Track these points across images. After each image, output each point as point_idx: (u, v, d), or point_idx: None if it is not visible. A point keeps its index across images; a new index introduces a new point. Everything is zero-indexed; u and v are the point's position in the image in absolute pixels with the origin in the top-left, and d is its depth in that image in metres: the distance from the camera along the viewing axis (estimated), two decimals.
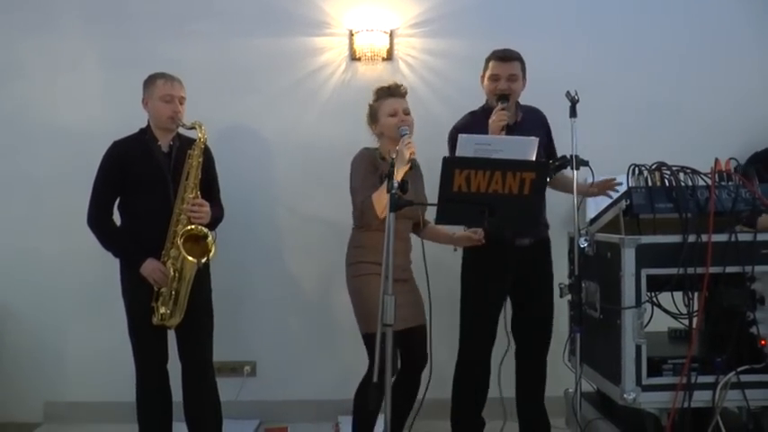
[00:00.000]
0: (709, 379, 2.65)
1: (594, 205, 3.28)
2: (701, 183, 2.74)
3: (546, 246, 3.50)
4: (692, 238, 2.66)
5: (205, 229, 3.24)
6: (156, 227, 3.23)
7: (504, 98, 3.30)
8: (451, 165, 2.70)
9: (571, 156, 2.91)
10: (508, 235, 3.27)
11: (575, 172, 2.88)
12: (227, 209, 3.53)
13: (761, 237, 2.68)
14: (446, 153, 3.12)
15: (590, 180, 3.08)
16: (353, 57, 4.15)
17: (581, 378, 2.90)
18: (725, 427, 2.63)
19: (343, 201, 3.36)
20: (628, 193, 2.74)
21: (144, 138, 3.37)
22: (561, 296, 3.01)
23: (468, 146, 2.89)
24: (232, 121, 4.10)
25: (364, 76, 4.12)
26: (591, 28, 4.16)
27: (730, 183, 2.73)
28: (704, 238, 2.65)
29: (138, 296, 3.27)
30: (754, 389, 2.65)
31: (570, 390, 3.05)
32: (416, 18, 4.16)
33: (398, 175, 2.98)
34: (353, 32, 4.12)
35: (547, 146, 3.43)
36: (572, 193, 2.89)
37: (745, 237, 2.68)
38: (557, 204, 3.58)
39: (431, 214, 3.32)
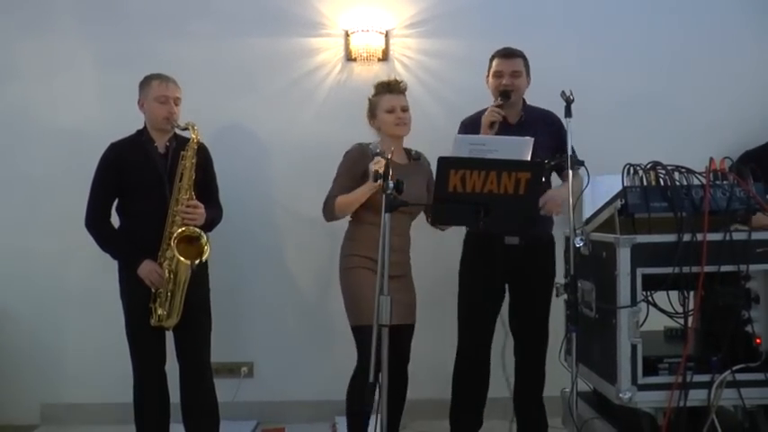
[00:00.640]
0: (705, 378, 2.64)
1: (591, 205, 3.27)
2: (696, 182, 2.73)
3: (544, 245, 3.48)
4: (687, 238, 2.66)
5: (198, 230, 3.24)
6: (153, 228, 3.24)
7: (506, 95, 3.31)
8: (447, 165, 2.70)
9: (566, 156, 2.91)
10: (496, 233, 3.27)
11: (570, 172, 2.88)
12: (224, 209, 3.53)
13: (756, 236, 2.67)
14: (442, 153, 3.10)
15: (585, 181, 3.07)
16: (349, 57, 4.15)
17: (577, 377, 2.89)
18: (721, 425, 2.62)
19: None
20: (623, 193, 2.74)
21: (141, 139, 3.37)
22: (557, 296, 3.01)
23: (463, 146, 2.90)
24: (228, 121, 4.11)
25: (360, 76, 4.13)
26: (585, 28, 4.17)
27: (725, 182, 2.72)
28: (699, 237, 2.65)
29: (135, 297, 3.27)
30: (750, 387, 2.63)
31: (566, 389, 3.04)
32: (412, 18, 4.17)
33: (363, 194, 3.12)
34: (349, 33, 4.12)
35: (553, 150, 3.33)
36: None
37: (739, 236, 2.68)
38: None
39: None
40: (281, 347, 4.17)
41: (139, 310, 3.26)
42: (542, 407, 3.52)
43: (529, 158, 2.90)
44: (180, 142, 3.36)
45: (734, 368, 2.62)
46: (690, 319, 2.77)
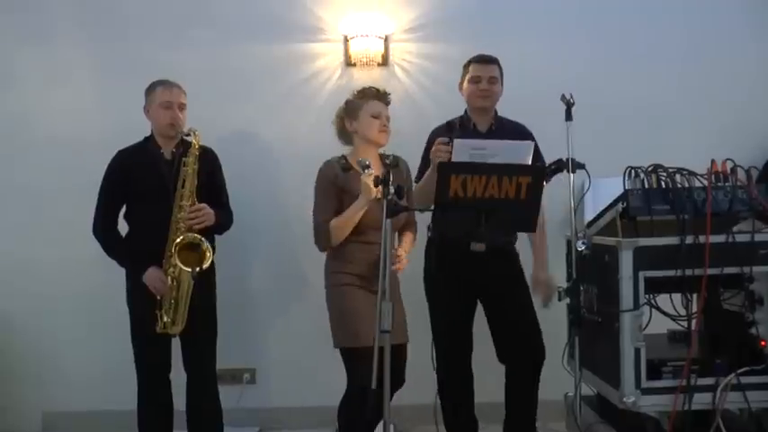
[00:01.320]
0: (710, 381, 2.63)
1: (592, 208, 3.26)
2: (698, 184, 2.73)
3: (508, 252, 3.39)
4: (689, 240, 2.65)
5: (199, 237, 3.23)
6: (159, 235, 3.23)
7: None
8: (447, 170, 2.69)
9: (567, 159, 2.90)
10: (462, 239, 3.02)
11: (571, 175, 2.87)
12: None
13: (759, 237, 2.67)
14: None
15: (587, 184, 3.06)
16: (349, 62, 4.13)
17: (580, 382, 2.89)
18: (726, 429, 2.61)
19: None
20: (624, 196, 2.73)
21: (147, 146, 3.38)
22: (559, 300, 3.01)
23: (464, 151, 2.88)
24: (228, 127, 4.09)
25: (360, 81, 4.08)
26: (585, 31, 4.15)
27: (727, 184, 2.71)
28: (702, 239, 2.64)
29: (141, 304, 3.27)
30: (755, 390, 2.63)
31: (570, 393, 3.04)
32: (411, 23, 4.16)
33: (359, 208, 3.01)
34: (348, 38, 4.11)
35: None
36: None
37: (742, 238, 2.67)
38: (553, 207, 3.56)
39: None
40: (284, 353, 4.16)
41: (145, 317, 3.25)
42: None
43: (530, 162, 2.88)
44: (187, 149, 3.33)
45: (739, 371, 2.61)
46: (693, 322, 2.77)
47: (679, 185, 2.72)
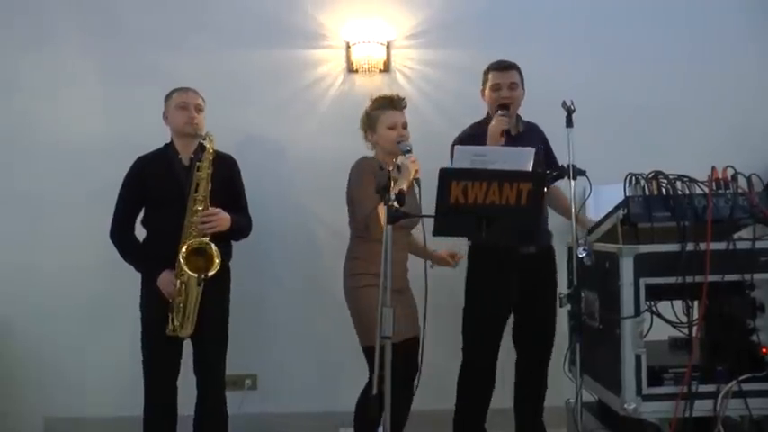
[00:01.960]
0: (711, 388, 2.63)
1: (593, 215, 3.26)
2: (699, 191, 2.73)
3: (550, 254, 3.50)
4: (690, 247, 2.64)
5: (206, 242, 3.23)
6: (175, 240, 3.24)
7: (505, 107, 3.30)
8: (448, 176, 2.69)
9: (568, 166, 2.90)
10: (513, 242, 3.27)
11: (572, 182, 2.87)
12: None
13: (760, 244, 2.67)
14: (443, 164, 3.09)
15: (588, 191, 3.05)
16: (351, 69, 4.14)
17: (581, 388, 2.87)
18: None
19: (343, 213, 3.36)
20: (625, 203, 2.73)
21: (166, 152, 3.41)
22: (561, 306, 2.99)
23: (465, 157, 2.88)
24: (229, 134, 4.01)
25: (362, 87, 4.11)
26: (586, 37, 4.15)
27: (728, 191, 2.71)
28: (703, 246, 2.63)
29: (153, 309, 3.29)
30: (757, 397, 2.63)
31: (571, 400, 3.03)
32: (413, 29, 4.16)
33: (397, 187, 2.93)
34: (350, 45, 4.12)
35: (546, 160, 3.44)
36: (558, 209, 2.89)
37: (743, 245, 2.67)
38: (554, 214, 3.58)
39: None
40: (285, 360, 4.15)
41: (157, 321, 3.26)
42: (541, 422, 3.51)
43: (530, 169, 2.88)
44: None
45: (740, 378, 2.60)
46: (694, 329, 2.76)
47: (680, 192, 2.73)
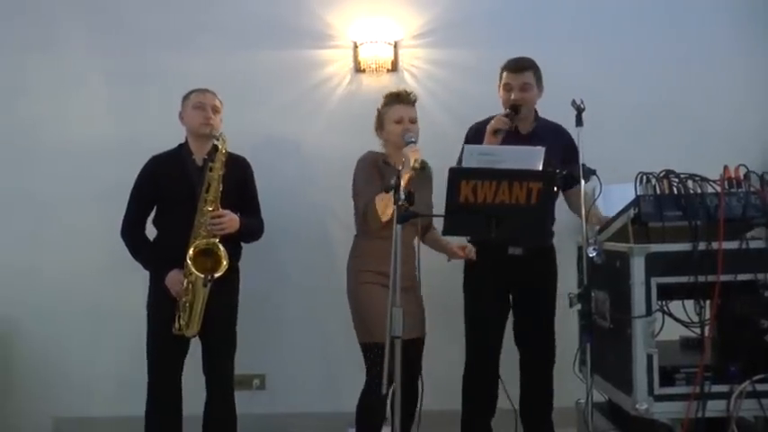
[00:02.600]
0: (724, 388, 2.60)
1: (604, 214, 3.23)
2: (711, 190, 2.70)
3: (546, 255, 3.45)
4: (702, 246, 2.62)
5: (214, 242, 3.21)
6: (184, 239, 3.22)
7: (514, 110, 3.28)
8: (458, 175, 2.68)
9: (578, 165, 2.87)
10: (499, 243, 3.23)
11: (582, 182, 2.84)
12: None
13: None
14: (451, 164, 3.07)
15: (598, 190, 3.02)
16: (358, 68, 4.12)
17: (592, 388, 2.85)
18: None
19: (350, 211, 3.36)
20: (636, 202, 2.71)
21: (180, 152, 3.40)
22: (571, 306, 2.95)
23: (473, 156, 2.85)
24: (237, 135, 3.99)
25: (369, 87, 4.09)
26: (596, 35, 4.11)
27: (740, 190, 2.69)
28: (715, 245, 2.61)
29: (160, 307, 3.28)
30: None
31: (581, 400, 3.00)
32: (420, 29, 4.13)
33: (403, 180, 2.92)
34: (358, 44, 4.09)
35: (563, 163, 3.30)
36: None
37: (756, 244, 2.64)
38: (565, 213, 3.54)
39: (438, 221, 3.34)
40: (293, 359, 4.13)
41: (163, 320, 3.26)
42: (551, 422, 3.47)
43: (540, 168, 2.85)
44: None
45: (754, 378, 2.57)
46: (706, 329, 2.73)
47: (691, 191, 2.70)
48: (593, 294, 2.86)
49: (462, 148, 3.04)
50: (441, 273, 3.49)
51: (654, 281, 2.64)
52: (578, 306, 2.90)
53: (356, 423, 3.23)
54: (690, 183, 2.72)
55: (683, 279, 2.63)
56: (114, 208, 3.41)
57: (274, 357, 4.13)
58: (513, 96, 3.33)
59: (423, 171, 3.29)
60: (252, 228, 3.42)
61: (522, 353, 3.48)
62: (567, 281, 3.32)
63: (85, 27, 4.14)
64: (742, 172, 2.72)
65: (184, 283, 3.20)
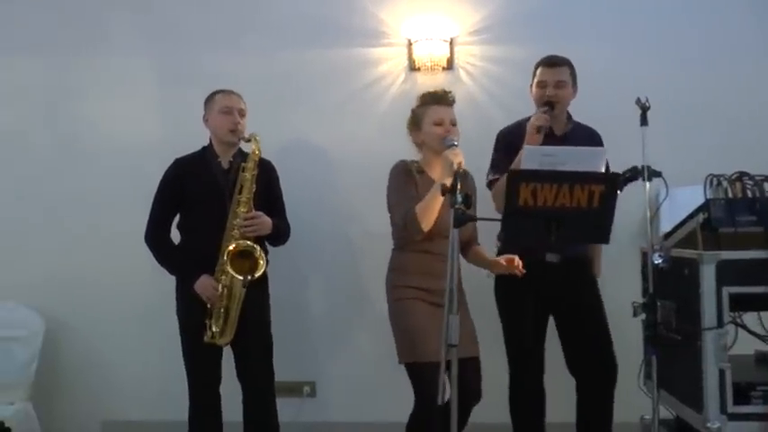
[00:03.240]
0: None
1: (669, 219, 3.14)
2: None
3: (584, 262, 3.32)
4: None
5: (252, 244, 3.23)
6: (212, 243, 3.24)
7: (549, 105, 3.20)
8: (517, 178, 2.63)
9: (642, 167, 2.79)
10: (537, 250, 3.11)
11: (646, 184, 2.77)
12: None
13: None
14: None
15: (663, 193, 2.93)
16: (412, 67, 4.08)
17: (658, 404, 2.77)
18: None
19: None
20: (706, 206, 2.63)
21: (205, 155, 3.41)
22: (635, 315, 2.89)
23: (534, 158, 2.80)
24: (286, 137, 4.08)
25: (424, 86, 3.99)
26: (660, 29, 3.97)
27: None
28: None
29: (191, 314, 3.29)
30: None
31: (646, 417, 2.93)
32: (477, 25, 4.07)
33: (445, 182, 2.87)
34: (412, 42, 4.06)
35: None
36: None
37: None
38: (627, 216, 3.43)
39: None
40: (346, 366, 4.12)
41: (194, 327, 3.27)
42: None
43: (602, 170, 2.79)
44: (245, 158, 3.35)
45: None
46: None
47: (767, 195, 2.60)
48: (658, 303, 2.79)
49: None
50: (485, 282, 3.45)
51: (725, 290, 2.56)
52: (642, 316, 2.84)
53: None
54: (766, 185, 2.62)
55: (759, 289, 2.53)
56: None
57: (326, 363, 4.13)
58: (547, 93, 3.25)
59: (464, 178, 3.15)
60: (281, 230, 3.43)
61: (577, 379, 3.31)
62: (629, 288, 3.22)
63: (132, 28, 4.22)
64: None
65: (219, 288, 3.21)
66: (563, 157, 2.79)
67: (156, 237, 3.39)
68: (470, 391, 3.03)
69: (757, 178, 2.66)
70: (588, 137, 3.33)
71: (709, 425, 2.51)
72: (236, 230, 3.22)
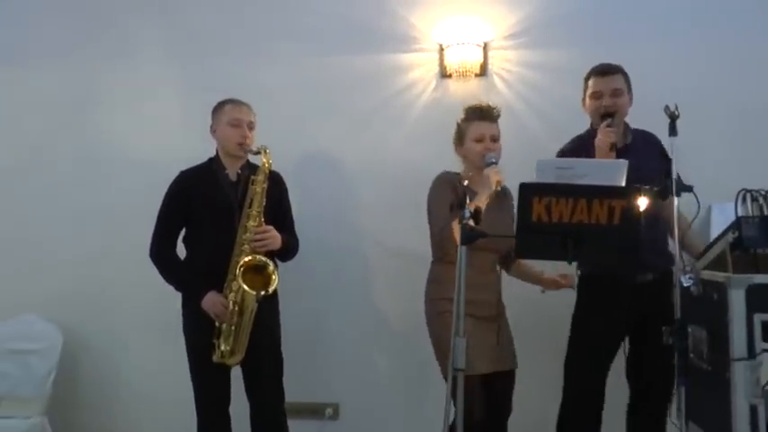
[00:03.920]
0: None
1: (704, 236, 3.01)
2: None
3: (670, 280, 3.17)
4: None
5: (265, 259, 3.23)
6: (220, 258, 3.25)
7: (609, 116, 3.12)
8: (529, 192, 2.57)
9: (672, 180, 2.68)
10: (629, 270, 3.06)
11: (675, 199, 2.65)
12: (307, 238, 3.56)
13: None
14: None
15: (695, 210, 2.80)
16: (444, 73, 4.04)
17: None
18: None
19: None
20: (737, 224, 2.49)
21: (212, 167, 3.42)
22: (665, 341, 2.76)
23: (548, 170, 2.71)
24: (313, 146, 4.11)
25: (456, 93, 4.00)
26: (702, 35, 3.85)
27: None
28: None
29: (198, 332, 3.29)
30: None
31: None
32: (512, 28, 4.01)
33: (481, 202, 2.92)
34: (444, 47, 4.02)
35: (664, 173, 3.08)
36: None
37: None
38: None
39: None
40: (370, 387, 4.09)
41: (202, 346, 3.27)
42: None
43: (623, 183, 2.68)
44: (253, 170, 3.36)
45: None
46: None
47: None
48: (689, 330, 2.66)
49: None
50: (525, 303, 3.37)
51: (757, 318, 2.41)
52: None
53: None
54: None
55: None
56: None
57: (349, 385, 4.11)
58: (604, 103, 3.17)
59: (503, 196, 3.25)
60: (290, 245, 3.42)
61: (633, 393, 3.29)
62: None
63: (158, 37, 4.30)
64: None
65: (230, 306, 3.21)
66: (581, 169, 2.70)
67: (162, 253, 3.40)
68: (501, 404, 3.15)
69: None
70: (650, 144, 3.26)
71: None
72: (246, 245, 3.23)
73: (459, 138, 3.27)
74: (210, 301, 3.23)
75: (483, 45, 4.01)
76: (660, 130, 3.20)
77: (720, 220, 3.21)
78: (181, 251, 3.46)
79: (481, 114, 3.22)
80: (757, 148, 3.72)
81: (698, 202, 2.74)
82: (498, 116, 3.25)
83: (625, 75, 3.25)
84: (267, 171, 3.29)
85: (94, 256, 4.26)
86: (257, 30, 4.20)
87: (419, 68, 4.10)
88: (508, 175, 3.16)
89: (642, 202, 2.53)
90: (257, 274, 3.23)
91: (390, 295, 4.09)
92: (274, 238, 3.27)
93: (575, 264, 3.23)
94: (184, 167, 3.50)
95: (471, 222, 2.62)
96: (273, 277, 3.22)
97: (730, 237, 2.51)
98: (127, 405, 4.23)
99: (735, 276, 2.45)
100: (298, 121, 4.05)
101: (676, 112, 2.72)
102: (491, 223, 2.84)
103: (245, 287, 3.16)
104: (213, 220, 3.31)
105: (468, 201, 2.73)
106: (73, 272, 4.26)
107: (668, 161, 2.79)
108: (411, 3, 4.09)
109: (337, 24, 4.13)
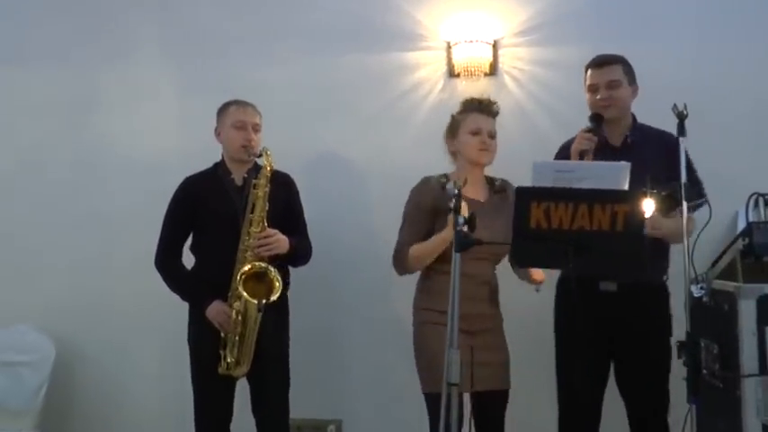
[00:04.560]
0: None
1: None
2: None
3: (652, 293, 3.10)
4: None
5: (264, 265, 3.21)
6: (227, 266, 3.25)
7: (596, 119, 3.06)
8: (527, 196, 2.52)
9: (680, 184, 2.61)
10: (587, 277, 2.93)
11: (684, 204, 2.59)
12: (312, 245, 3.52)
13: None
14: None
15: (707, 216, 2.72)
16: (452, 73, 4.01)
17: None
18: None
19: None
20: (748, 230, 2.43)
21: (217, 172, 3.43)
22: (679, 357, 2.69)
23: (547, 173, 2.67)
24: (318, 147, 4.11)
25: (464, 93, 3.89)
26: (719, 30, 3.77)
27: None
28: None
29: (203, 343, 3.30)
30: None
31: None
32: (523, 25, 3.96)
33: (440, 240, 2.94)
34: (451, 45, 3.98)
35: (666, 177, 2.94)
36: None
37: None
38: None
39: None
40: (374, 403, 4.07)
41: (206, 357, 3.28)
42: None
43: (626, 187, 2.62)
44: (258, 172, 3.34)
45: None
46: None
47: None
48: (701, 344, 2.60)
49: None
50: (525, 313, 3.32)
51: None
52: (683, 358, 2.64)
53: None
54: None
55: None
56: None
57: (353, 401, 4.09)
58: (598, 96, 3.11)
59: (502, 194, 3.18)
60: (300, 250, 3.39)
61: (627, 407, 3.19)
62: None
63: (158, 37, 4.32)
64: None
65: (233, 315, 3.20)
66: (581, 172, 2.65)
67: (168, 261, 3.42)
68: (491, 427, 3.07)
69: None
70: (656, 141, 3.12)
71: None
72: (249, 251, 3.22)
73: (453, 130, 3.19)
74: (215, 310, 3.24)
75: (493, 43, 3.97)
76: (671, 129, 3.18)
77: None
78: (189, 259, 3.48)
79: (480, 107, 3.16)
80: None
81: (710, 209, 2.67)
82: (497, 113, 3.19)
83: (625, 64, 3.16)
84: (269, 174, 3.27)
85: (88, 264, 4.28)
86: (260, 29, 4.20)
87: (426, 68, 4.07)
88: (518, 178, 3.05)
89: (648, 207, 2.48)
90: (259, 281, 3.21)
91: (396, 303, 4.04)
92: (280, 241, 3.25)
93: None
94: (183, 171, 3.51)
95: (465, 228, 2.58)
96: (276, 284, 3.20)
97: (740, 244, 2.45)
98: (123, 418, 4.24)
99: (745, 286, 2.40)
100: (300, 122, 4.04)
101: (685, 112, 2.65)
102: (491, 228, 2.84)
103: (246, 295, 3.15)
104: (218, 227, 3.32)
105: (462, 206, 2.60)
106: (69, 280, 4.28)
107: (673, 164, 2.71)
108: None
109: (341, 21, 4.12)
